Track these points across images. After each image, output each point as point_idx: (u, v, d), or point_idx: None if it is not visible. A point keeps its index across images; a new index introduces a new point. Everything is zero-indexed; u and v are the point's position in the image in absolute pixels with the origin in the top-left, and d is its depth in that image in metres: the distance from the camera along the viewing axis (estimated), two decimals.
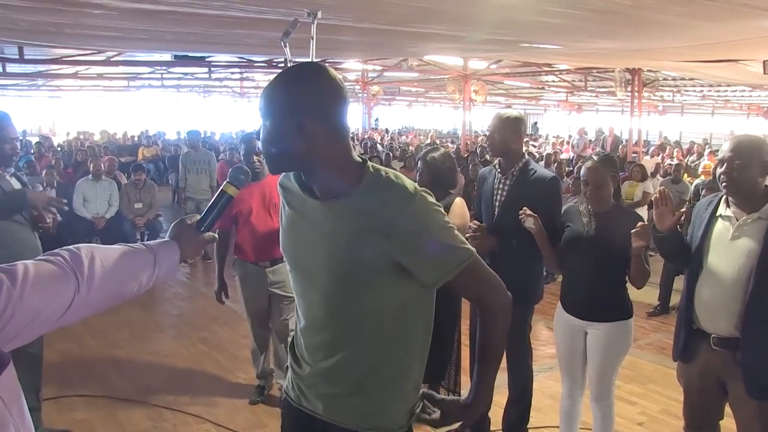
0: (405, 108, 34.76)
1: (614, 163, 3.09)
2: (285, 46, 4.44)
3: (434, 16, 5.20)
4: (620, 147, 15.12)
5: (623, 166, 10.64)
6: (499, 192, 3.38)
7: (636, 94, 12.90)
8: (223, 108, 28.99)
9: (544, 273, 3.62)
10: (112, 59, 11.75)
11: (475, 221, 3.37)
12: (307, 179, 1.59)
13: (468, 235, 3.21)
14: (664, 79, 16.36)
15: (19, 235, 3.22)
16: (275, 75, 1.53)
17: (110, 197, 8.01)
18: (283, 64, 12.91)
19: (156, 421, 3.96)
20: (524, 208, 3.10)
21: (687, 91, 19.29)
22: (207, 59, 12.36)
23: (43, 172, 8.58)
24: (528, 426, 3.63)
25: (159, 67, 14.53)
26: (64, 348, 5.00)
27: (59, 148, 15.58)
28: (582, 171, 3.08)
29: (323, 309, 1.60)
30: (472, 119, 18.16)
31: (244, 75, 17.35)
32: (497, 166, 3.44)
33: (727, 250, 2.60)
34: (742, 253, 2.54)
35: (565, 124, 29.89)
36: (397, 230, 1.47)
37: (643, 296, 5.51)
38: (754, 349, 2.53)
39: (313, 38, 4.42)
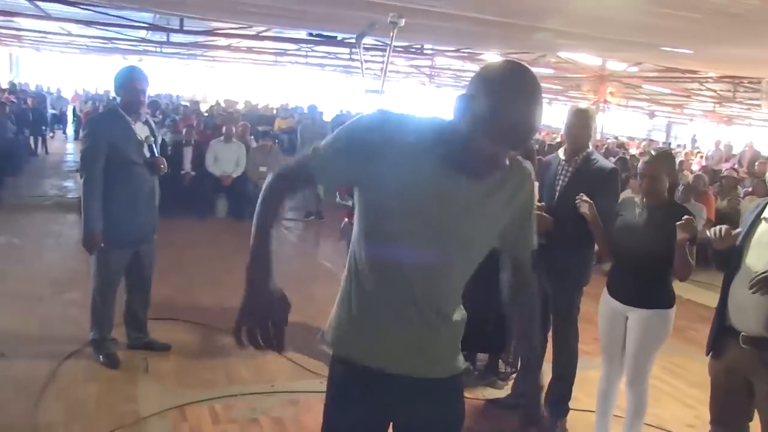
0: (545, 105, 34.09)
1: (671, 160, 3.22)
2: (359, 47, 4.64)
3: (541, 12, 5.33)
4: (757, 163, 14.19)
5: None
6: (561, 178, 3.57)
7: None
8: (362, 89, 29.69)
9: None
10: (261, 34, 12.64)
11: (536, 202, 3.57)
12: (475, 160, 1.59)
13: None
14: None
15: (141, 176, 3.98)
16: (518, 79, 1.57)
17: (238, 158, 8.80)
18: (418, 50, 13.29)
19: (242, 350, 4.47)
20: (581, 194, 3.29)
21: None
22: (346, 41, 12.88)
23: (184, 131, 9.56)
24: (572, 407, 3.77)
25: (303, 45, 15.28)
26: (177, 281, 5.71)
27: (205, 113, 16.93)
28: (640, 165, 3.22)
29: (438, 272, 1.69)
30: (605, 122, 17.65)
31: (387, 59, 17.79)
32: (562, 154, 3.63)
33: (765, 251, 2.66)
34: None
35: (714, 137, 28.09)
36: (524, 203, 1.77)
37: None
38: None
39: (390, 45, 4.59)
